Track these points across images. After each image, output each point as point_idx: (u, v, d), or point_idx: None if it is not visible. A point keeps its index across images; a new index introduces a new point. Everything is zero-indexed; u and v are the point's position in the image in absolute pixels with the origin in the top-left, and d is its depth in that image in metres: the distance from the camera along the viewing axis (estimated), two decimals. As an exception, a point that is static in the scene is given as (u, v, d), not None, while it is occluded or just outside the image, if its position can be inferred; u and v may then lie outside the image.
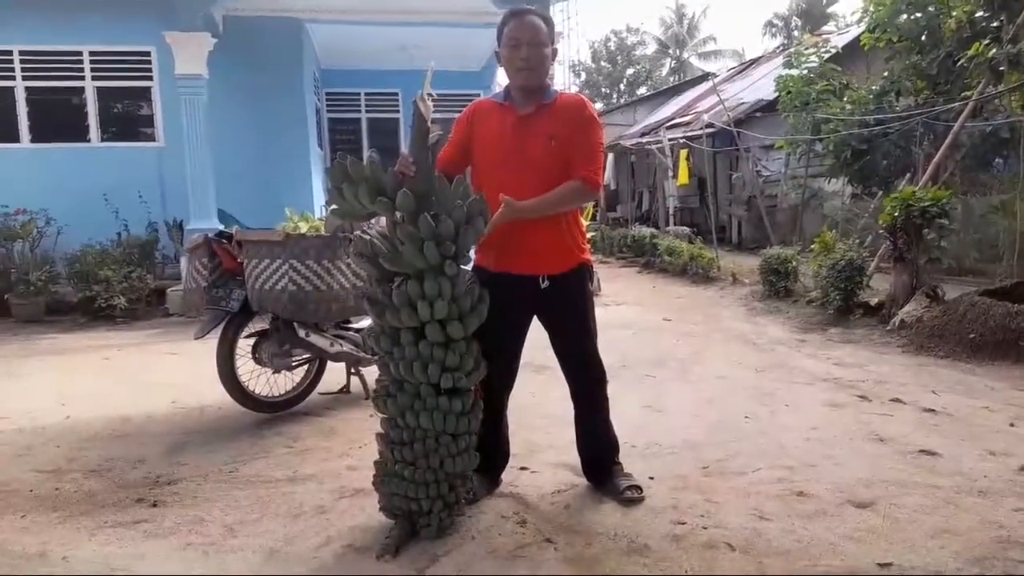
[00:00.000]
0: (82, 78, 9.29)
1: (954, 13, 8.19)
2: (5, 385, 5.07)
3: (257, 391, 4.15)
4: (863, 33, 9.80)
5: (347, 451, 3.57)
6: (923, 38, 8.93)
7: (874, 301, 6.64)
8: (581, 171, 2.72)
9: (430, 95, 2.46)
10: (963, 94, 7.68)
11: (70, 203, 8.46)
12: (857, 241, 7.68)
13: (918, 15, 8.88)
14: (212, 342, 3.99)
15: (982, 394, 4.38)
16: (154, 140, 9.59)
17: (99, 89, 9.37)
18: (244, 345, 4.09)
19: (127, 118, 9.90)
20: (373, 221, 2.90)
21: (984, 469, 3.20)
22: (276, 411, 4.18)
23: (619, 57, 44.77)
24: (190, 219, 8.24)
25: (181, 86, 8.20)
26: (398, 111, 12.90)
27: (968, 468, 3.21)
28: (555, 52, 2.81)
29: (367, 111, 13.16)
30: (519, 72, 2.74)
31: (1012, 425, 3.80)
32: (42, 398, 4.65)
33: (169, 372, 5.38)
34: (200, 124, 8.22)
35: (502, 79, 2.86)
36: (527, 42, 2.71)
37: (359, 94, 13.07)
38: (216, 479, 3.26)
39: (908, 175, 8.68)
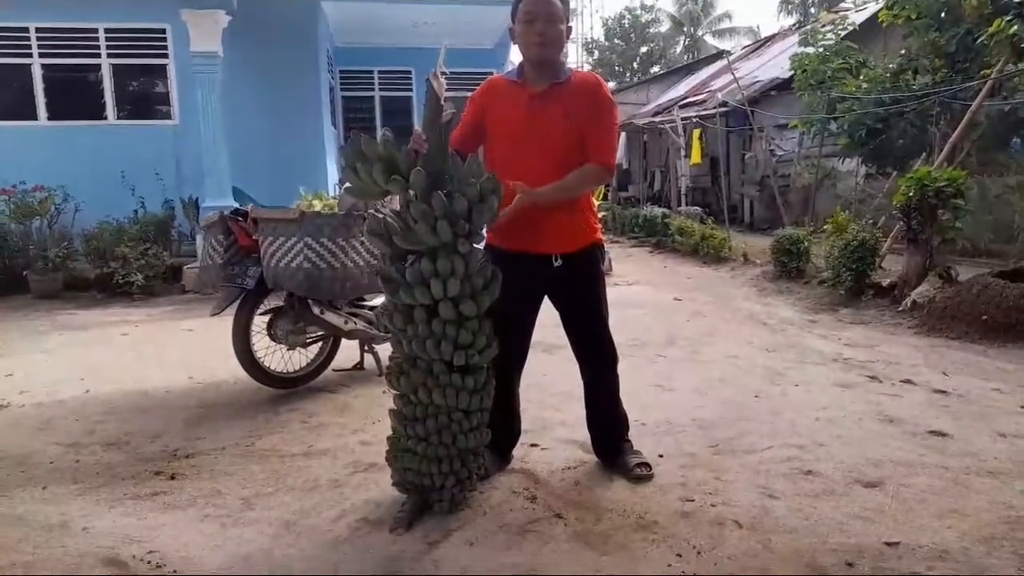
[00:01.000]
0: (98, 55, 9.34)
1: (976, -11, 8.04)
2: (26, 360, 5.16)
3: (272, 367, 4.21)
4: (881, 9, 9.64)
5: (361, 427, 3.62)
6: (943, 14, 8.76)
7: (886, 282, 6.61)
8: (596, 154, 2.73)
9: (443, 73, 2.47)
10: (982, 72, 7.57)
11: (87, 180, 8.55)
12: (870, 221, 7.63)
13: (938, -9, 8.73)
14: (228, 318, 4.05)
15: (993, 376, 4.37)
16: (169, 118, 9.64)
17: (115, 66, 9.42)
18: (259, 322, 4.14)
19: (143, 96, 9.95)
20: (387, 199, 2.91)
21: (994, 450, 3.21)
22: (291, 387, 4.24)
23: (632, 35, 44.24)
24: (205, 197, 8.31)
25: (196, 64, 8.23)
26: (411, 89, 12.87)
27: (978, 449, 3.22)
28: (570, 30, 2.81)
29: (381, 89, 13.14)
30: (534, 47, 2.73)
31: (1023, 407, 3.80)
32: (62, 372, 4.74)
33: (186, 348, 5.46)
34: (215, 102, 8.25)
35: (516, 57, 2.85)
36: (543, 17, 2.70)
37: (373, 72, 13.05)
38: (232, 453, 3.33)
39: (924, 155, 8.58)
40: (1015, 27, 6.83)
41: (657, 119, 18.25)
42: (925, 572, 2.24)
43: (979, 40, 7.62)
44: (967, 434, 3.41)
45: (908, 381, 4.28)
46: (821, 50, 11.08)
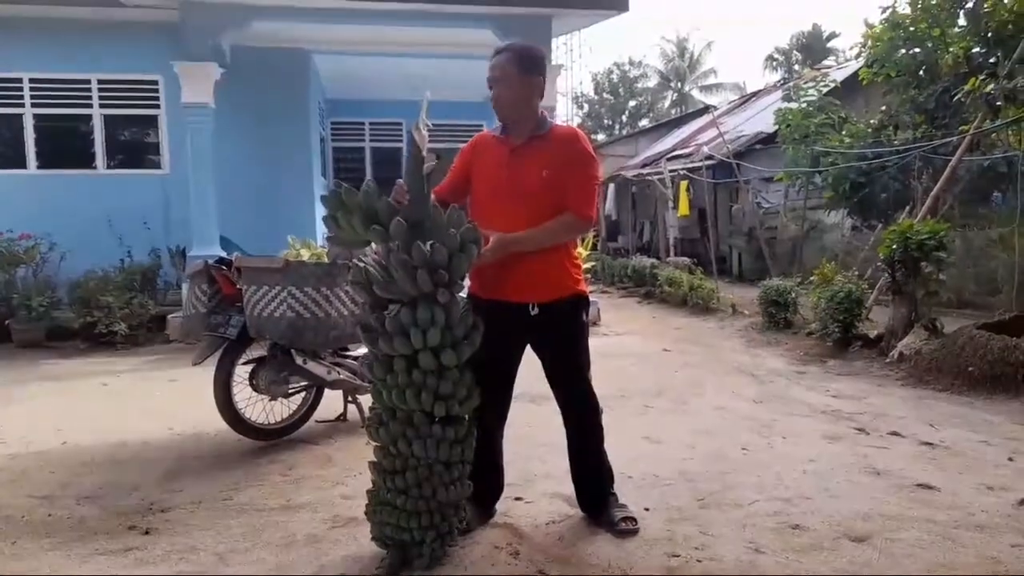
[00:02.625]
0: (90, 105, 9.42)
1: (951, 49, 8.32)
2: (3, 410, 5.06)
3: (254, 418, 4.15)
4: (862, 68, 9.93)
5: (342, 479, 3.55)
6: (921, 73, 9.05)
7: (873, 333, 6.63)
8: (573, 206, 2.77)
9: (426, 124, 2.50)
10: (960, 128, 7.76)
11: (74, 229, 8.54)
12: (856, 273, 7.70)
13: (916, 51, 9.02)
14: (211, 369, 4.00)
15: (980, 428, 4.35)
16: (159, 167, 9.69)
17: (106, 117, 9.50)
18: (242, 372, 4.10)
19: (133, 145, 10.01)
20: (370, 249, 2.92)
21: (982, 504, 3.17)
22: (272, 438, 4.17)
23: (621, 89, 45.30)
24: (193, 246, 8.30)
25: (187, 115, 8.31)
26: (402, 140, 13.04)
27: (966, 502, 3.19)
28: (539, 84, 2.84)
29: (371, 140, 13.32)
30: (495, 108, 2.84)
31: (1011, 459, 3.78)
32: (39, 423, 4.64)
33: (167, 398, 5.38)
34: (205, 152, 8.31)
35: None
36: (496, 80, 2.81)
37: (364, 123, 13.25)
38: (210, 507, 3.25)
39: (907, 208, 8.72)
40: (989, 85, 7.03)
41: (645, 171, 18.53)
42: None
43: (956, 97, 7.85)
44: (955, 487, 3.38)
45: (895, 433, 4.26)
46: (804, 105, 11.37)
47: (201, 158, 8.28)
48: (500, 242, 2.66)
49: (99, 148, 9.50)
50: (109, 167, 9.59)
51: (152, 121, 9.65)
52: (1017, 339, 5.25)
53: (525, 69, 2.81)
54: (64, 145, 9.57)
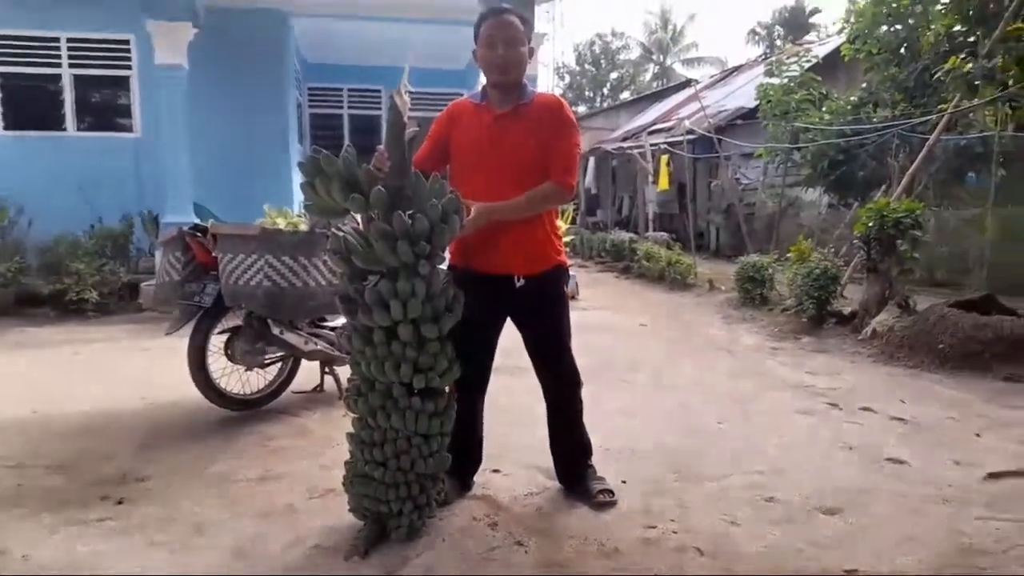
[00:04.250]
0: (59, 65, 9.14)
1: (933, 27, 8.33)
2: (-30, 377, 4.96)
3: (229, 388, 4.10)
4: (844, 44, 9.92)
5: (320, 451, 3.54)
6: (902, 51, 9.07)
7: (847, 310, 6.71)
8: (555, 174, 2.74)
9: (407, 91, 2.45)
10: (939, 107, 7.81)
11: (43, 193, 8.32)
12: (832, 251, 7.77)
13: (898, 27, 9.02)
14: (185, 338, 3.94)
15: (950, 404, 4.44)
16: (131, 131, 9.45)
17: (76, 77, 9.22)
18: (217, 341, 4.04)
19: (104, 107, 9.73)
20: (349, 218, 2.87)
21: (950, 478, 3.24)
22: (248, 409, 4.14)
23: (603, 60, 44.93)
24: (166, 212, 8.14)
25: (160, 76, 8.10)
26: (381, 108, 12.83)
27: (934, 476, 3.26)
28: (532, 51, 2.82)
29: (350, 107, 13.08)
30: (495, 70, 2.75)
31: (978, 435, 3.86)
32: (8, 392, 4.56)
33: (140, 368, 5.30)
34: (178, 115, 8.12)
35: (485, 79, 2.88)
36: (503, 41, 2.72)
37: (342, 90, 12.98)
38: (185, 477, 3.22)
39: (884, 187, 8.79)
40: (969, 65, 7.06)
41: (626, 144, 18.48)
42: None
43: (936, 76, 7.87)
44: (924, 461, 3.45)
45: (867, 409, 4.33)
46: (786, 81, 11.36)
47: (174, 121, 8.09)
48: (482, 212, 2.62)
49: (69, 110, 9.23)
50: (79, 129, 9.33)
51: (124, 82, 9.39)
52: (987, 317, 5.35)
53: (527, 33, 2.77)
54: (32, 106, 9.28)
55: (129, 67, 9.29)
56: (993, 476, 3.25)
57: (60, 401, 4.35)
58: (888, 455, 3.52)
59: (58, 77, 9.17)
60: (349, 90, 12.97)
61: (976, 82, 7.12)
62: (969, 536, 2.67)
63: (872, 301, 6.36)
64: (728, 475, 3.26)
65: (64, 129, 9.25)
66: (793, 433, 3.88)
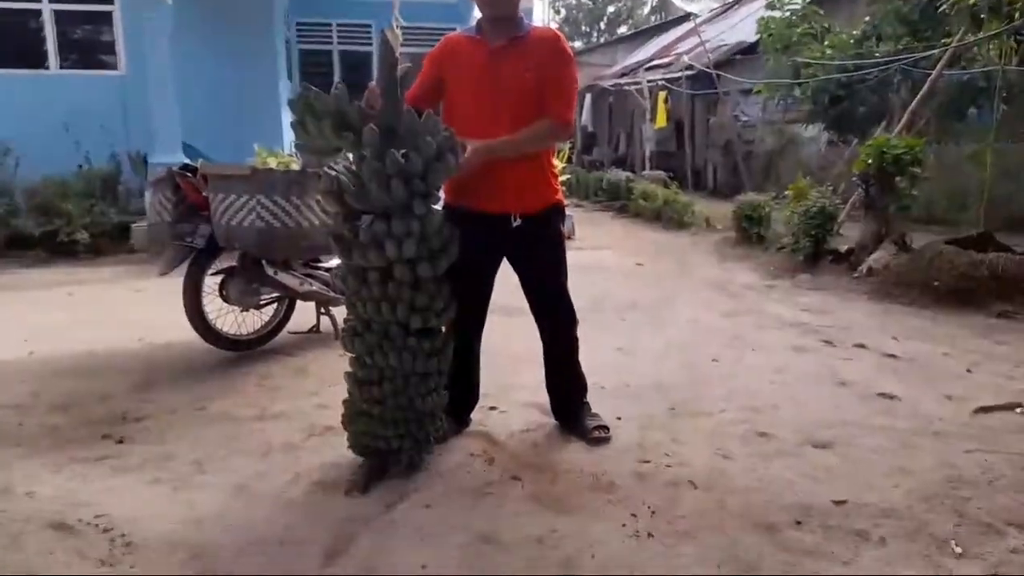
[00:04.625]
0: (39, 0, 8.84)
1: (939, -43, 8.07)
2: (-35, 319, 4.95)
3: (225, 329, 4.11)
4: (847, -25, 9.64)
5: (317, 390, 3.56)
6: (907, -19, 8.82)
7: (844, 248, 6.70)
8: (553, 109, 2.67)
9: (400, 25, 2.37)
10: (943, 41, 7.64)
11: (28, 132, 8.13)
12: (830, 188, 7.71)
13: (903, -43, 8.75)
14: (179, 279, 3.92)
15: (942, 340, 4.48)
16: (116, 68, 9.22)
17: (57, 12, 8.93)
18: (212, 283, 4.02)
19: (87, 44, 9.47)
20: (341, 156, 2.81)
21: (940, 412, 3.29)
22: (244, 349, 4.15)
23: (600, -8, 43.67)
24: (154, 152, 8.01)
25: (144, 11, 7.85)
26: (371, 43, 12.50)
27: (925, 411, 3.31)
28: None
29: (339, 43, 12.73)
30: (486, 3, 2.67)
31: (969, 371, 3.90)
32: (4, 333, 4.56)
33: (135, 309, 5.29)
34: (164, 53, 7.91)
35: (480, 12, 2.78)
36: None
37: (331, 25, 12.61)
38: (184, 416, 3.25)
39: (884, 123, 8.67)
40: (975, -3, 6.88)
41: (623, 81, 18.13)
42: (870, 529, 2.30)
43: (940, 9, 7.68)
44: (915, 397, 3.49)
45: (861, 345, 4.37)
46: (787, 14, 11.07)
47: (159, 58, 7.89)
48: (479, 150, 2.57)
49: (51, 46, 8.98)
50: (62, 67, 9.10)
51: (106, 17, 9.11)
52: (982, 255, 5.35)
53: None
54: (12, 43, 9.03)
55: (111, 1, 8.99)
56: (983, 410, 3.30)
57: (57, 342, 4.35)
58: (880, 390, 3.56)
59: (38, 12, 8.89)
60: (338, 25, 12.59)
61: (982, 15, 6.95)
62: (958, 468, 2.72)
63: (869, 239, 6.35)
64: (722, 410, 3.31)
65: (47, 67, 9.02)
66: (787, 370, 3.92)
